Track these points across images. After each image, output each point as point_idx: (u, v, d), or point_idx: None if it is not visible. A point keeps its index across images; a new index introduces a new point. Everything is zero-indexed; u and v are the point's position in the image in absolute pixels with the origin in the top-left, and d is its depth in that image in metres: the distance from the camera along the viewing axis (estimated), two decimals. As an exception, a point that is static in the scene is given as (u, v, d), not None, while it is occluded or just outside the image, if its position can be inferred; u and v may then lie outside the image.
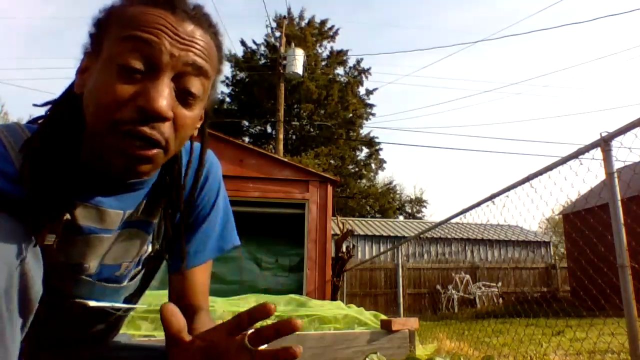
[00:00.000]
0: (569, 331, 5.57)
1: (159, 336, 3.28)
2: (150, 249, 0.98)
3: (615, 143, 2.48)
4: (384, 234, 17.50)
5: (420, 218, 26.58)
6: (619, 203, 2.50)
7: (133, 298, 1.08)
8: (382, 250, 16.93)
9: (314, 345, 3.30)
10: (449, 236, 17.54)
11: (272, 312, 0.69)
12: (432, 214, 28.86)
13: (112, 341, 1.09)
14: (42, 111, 0.86)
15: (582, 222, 13.32)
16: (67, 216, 0.78)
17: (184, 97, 0.75)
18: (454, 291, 15.95)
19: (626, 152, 2.43)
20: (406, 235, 17.53)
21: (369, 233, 17.33)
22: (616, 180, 2.54)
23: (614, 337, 3.99)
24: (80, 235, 0.83)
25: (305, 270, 8.16)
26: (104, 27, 0.76)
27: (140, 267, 0.99)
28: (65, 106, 0.81)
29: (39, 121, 0.85)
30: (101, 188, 0.83)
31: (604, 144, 2.52)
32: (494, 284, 16.40)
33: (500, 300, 16.07)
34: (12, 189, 0.74)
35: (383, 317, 4.04)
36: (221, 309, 3.78)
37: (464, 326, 8.37)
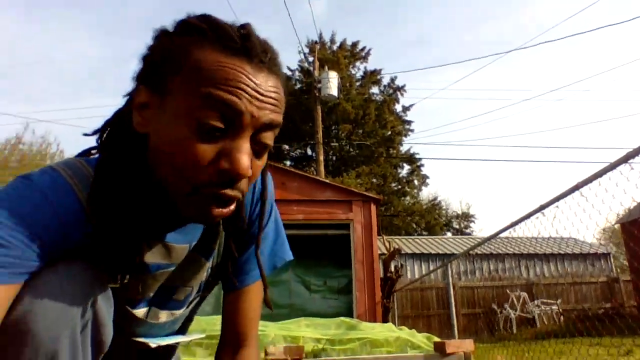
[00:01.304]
0: (638, 351, 5.23)
1: None
2: (209, 273, 1.00)
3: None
4: (433, 252, 17.12)
5: (468, 234, 25.85)
6: None
7: (187, 324, 1.12)
8: (431, 268, 16.55)
9: (367, 369, 3.27)
10: (501, 251, 16.95)
11: None
12: (481, 229, 27.99)
13: None
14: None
15: (641, 231, 12.58)
16: (137, 258, 0.80)
17: (258, 149, 0.75)
18: (510, 310, 15.29)
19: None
20: (455, 252, 17.07)
21: (417, 251, 17.01)
22: None
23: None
24: (148, 272, 0.85)
25: (355, 292, 8.09)
26: (172, 65, 0.71)
27: (200, 293, 1.02)
28: (123, 143, 0.79)
29: (92, 153, 0.86)
30: (168, 225, 0.84)
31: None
32: (553, 301, 15.61)
33: (561, 318, 15.27)
34: (83, 236, 0.75)
35: (436, 339, 3.94)
36: (273, 333, 3.82)
37: (523, 347, 8.00)
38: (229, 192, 0.71)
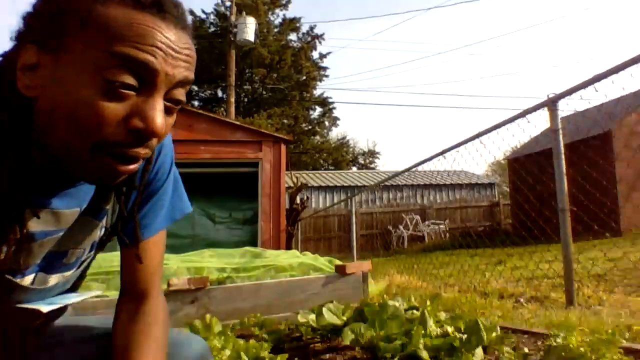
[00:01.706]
0: (509, 260, 5.98)
1: (112, 295, 3.24)
2: (102, 232, 0.94)
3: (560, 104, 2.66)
4: (338, 184, 17.76)
5: (372, 168, 27.22)
6: (562, 156, 2.68)
7: (79, 281, 1.04)
8: (335, 199, 17.25)
9: (270, 293, 3.37)
10: (400, 183, 18.05)
11: None
12: (385, 164, 29.77)
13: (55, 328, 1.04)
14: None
15: (524, 166, 14.14)
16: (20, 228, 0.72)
17: (170, 107, 0.71)
18: (404, 230, 16.62)
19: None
20: (359, 184, 17.88)
21: (323, 184, 17.53)
22: (560, 136, 2.69)
23: (550, 264, 4.33)
24: (34, 241, 0.77)
25: (260, 222, 8.21)
26: (71, 22, 0.65)
27: (92, 253, 0.95)
28: (4, 106, 0.71)
29: None
30: (54, 188, 0.76)
31: (552, 104, 2.68)
32: (442, 222, 17.20)
33: (447, 235, 16.96)
34: None
35: (338, 262, 4.16)
36: (175, 265, 3.76)
37: (413, 260, 8.80)
38: (140, 150, 0.68)
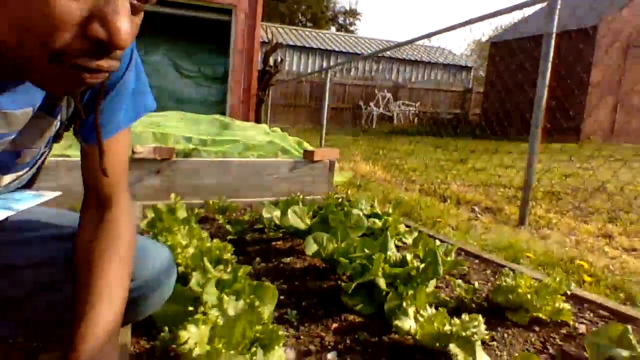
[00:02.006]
0: (472, 158, 6.16)
1: (74, 156, 3.16)
2: (58, 127, 0.86)
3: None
4: (314, 46, 16.99)
5: (352, 32, 25.95)
6: (548, 73, 2.56)
7: (36, 176, 1.01)
8: (310, 62, 16.66)
9: (237, 172, 3.38)
10: (379, 54, 17.45)
11: None
12: (366, 27, 28.32)
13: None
14: None
15: (502, 52, 13.79)
16: None
17: (137, 4, 0.58)
18: (374, 108, 16.61)
19: None
20: (336, 49, 17.17)
21: (299, 44, 16.72)
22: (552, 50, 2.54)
23: (508, 171, 4.49)
24: None
25: (230, 82, 7.89)
26: None
27: (48, 148, 0.89)
28: None
29: None
30: (2, 88, 0.66)
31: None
32: (413, 104, 17.22)
33: (416, 119, 17.13)
34: None
35: (306, 145, 4.14)
36: (140, 127, 3.64)
37: (379, 144, 8.96)
38: (103, 63, 0.58)
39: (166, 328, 1.01)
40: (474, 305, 1.35)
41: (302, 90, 15.89)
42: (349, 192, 3.82)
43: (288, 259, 1.77)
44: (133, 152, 3.04)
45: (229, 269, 1.31)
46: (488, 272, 1.69)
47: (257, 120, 8.91)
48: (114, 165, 0.90)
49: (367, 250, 1.43)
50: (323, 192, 3.64)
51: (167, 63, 8.06)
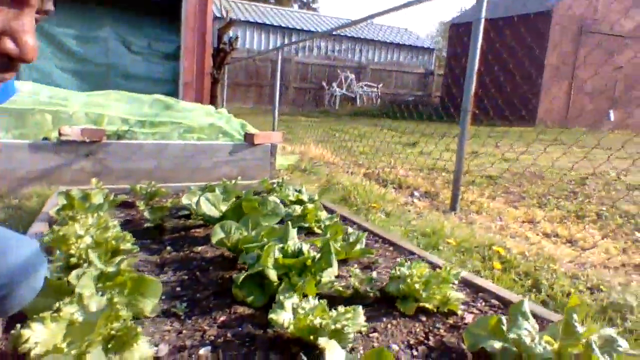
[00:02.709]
0: (423, 142, 6.23)
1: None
2: None
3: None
4: (275, 24, 16.67)
5: (314, 9, 25.64)
6: (477, 54, 2.57)
7: None
8: (271, 39, 16.38)
9: (174, 155, 3.29)
10: (342, 33, 17.31)
11: None
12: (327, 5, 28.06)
13: None
14: None
15: (467, 32, 13.93)
16: None
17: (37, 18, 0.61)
18: (337, 89, 16.55)
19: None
20: (297, 27, 16.92)
21: (259, 20, 16.37)
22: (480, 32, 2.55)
23: (453, 155, 4.56)
24: None
25: (182, 61, 7.66)
26: None
27: None
28: None
29: None
30: None
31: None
32: (375, 85, 17.24)
33: (379, 100, 17.18)
34: None
35: (250, 128, 4.08)
36: (74, 108, 3.49)
37: (336, 126, 8.95)
38: (6, 75, 0.59)
39: (18, 325, 0.97)
40: (371, 295, 1.36)
41: (264, 70, 15.64)
42: (293, 176, 3.80)
43: (200, 248, 1.74)
44: (60, 134, 2.92)
45: (117, 260, 1.27)
46: (398, 259, 1.71)
47: (212, 100, 8.73)
48: None
49: (266, 240, 1.42)
50: (265, 177, 3.61)
51: (114, 38, 7.73)
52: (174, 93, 7.75)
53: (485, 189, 3.63)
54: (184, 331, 1.13)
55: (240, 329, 1.15)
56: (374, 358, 0.86)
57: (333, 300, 1.32)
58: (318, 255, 1.33)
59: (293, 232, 1.47)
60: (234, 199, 1.98)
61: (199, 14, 7.44)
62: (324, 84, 16.60)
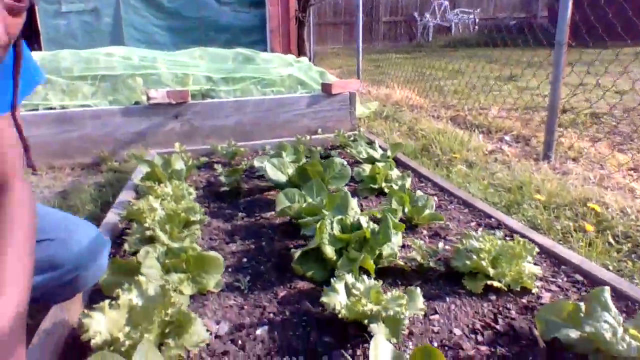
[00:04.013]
0: (524, 76, 5.67)
1: (95, 103, 3.25)
2: None
3: None
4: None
5: None
6: None
7: None
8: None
9: (253, 110, 3.34)
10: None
11: None
12: None
13: None
14: None
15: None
16: None
17: (15, 6, 0.69)
18: (430, 18, 15.53)
19: None
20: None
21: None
22: None
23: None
24: None
25: (267, 6, 7.65)
26: None
27: None
28: None
29: None
30: None
31: None
32: (471, 11, 15.88)
33: (476, 27, 15.86)
34: None
35: (329, 76, 3.99)
36: (162, 67, 3.65)
37: (429, 62, 8.46)
38: None
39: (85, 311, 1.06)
40: (435, 270, 1.29)
41: (351, 6, 15.06)
42: (374, 124, 3.69)
43: (269, 214, 1.77)
44: (148, 98, 3.08)
45: (185, 234, 1.33)
46: (473, 224, 1.60)
47: (300, 44, 8.68)
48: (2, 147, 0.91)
49: (325, 212, 1.39)
50: (345, 127, 3.55)
51: (203, -8, 7.87)
52: (262, 41, 7.82)
53: (589, 128, 3.24)
54: (245, 307, 1.17)
55: (298, 305, 1.16)
56: (422, 357, 0.81)
57: (394, 274, 1.28)
58: (377, 228, 1.28)
59: (353, 202, 1.42)
60: (303, 161, 1.97)
61: (280, -44, 7.28)
62: (415, 14, 15.66)
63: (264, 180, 2.23)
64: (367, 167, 1.97)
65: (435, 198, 1.83)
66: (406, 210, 1.57)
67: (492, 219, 1.60)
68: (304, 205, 1.52)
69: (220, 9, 8.14)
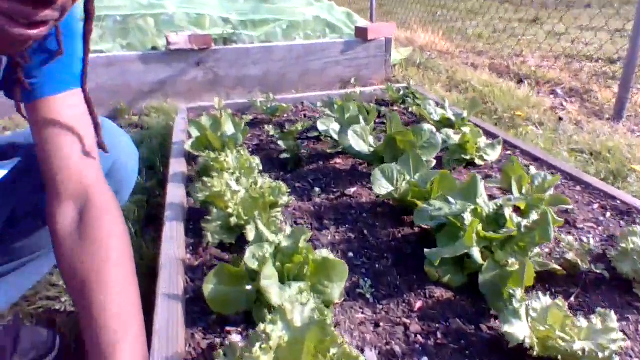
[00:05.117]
0: (549, 17, 5.34)
1: (107, 51, 2.88)
2: None
3: None
4: None
5: None
6: None
7: None
8: None
9: (282, 57, 3.02)
10: None
11: None
12: None
13: None
14: None
15: None
16: None
17: None
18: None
19: None
20: None
21: None
22: None
23: (596, 35, 3.82)
24: None
25: None
26: None
27: None
28: None
29: None
30: None
31: None
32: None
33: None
34: None
35: (357, 18, 3.63)
36: (172, 7, 3.24)
37: (434, 1, 7.98)
38: (48, 13, 0.53)
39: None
40: (588, 274, 1.09)
41: None
42: (409, 73, 3.40)
43: (352, 190, 1.53)
44: (168, 43, 2.73)
45: (287, 231, 1.09)
46: (595, 207, 1.40)
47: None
48: (76, 141, 0.77)
49: (451, 199, 1.17)
50: (380, 76, 3.25)
51: None
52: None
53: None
54: (381, 324, 0.96)
55: (446, 324, 0.96)
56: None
57: (542, 278, 1.09)
58: (524, 223, 1.07)
59: (481, 187, 1.19)
60: (379, 111, 1.71)
61: None
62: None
63: (319, 141, 1.99)
64: (450, 132, 1.73)
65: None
66: (524, 191, 1.36)
67: (618, 201, 1.40)
68: (411, 181, 1.30)
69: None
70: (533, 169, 1.47)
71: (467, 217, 1.06)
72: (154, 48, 2.86)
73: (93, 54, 2.69)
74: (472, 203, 1.16)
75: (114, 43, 2.91)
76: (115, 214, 0.81)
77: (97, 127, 0.82)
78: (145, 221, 1.59)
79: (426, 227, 1.25)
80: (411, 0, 7.87)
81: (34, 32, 0.53)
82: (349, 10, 3.68)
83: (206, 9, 3.28)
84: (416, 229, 1.29)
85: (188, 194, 1.48)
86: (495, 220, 1.12)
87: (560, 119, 2.45)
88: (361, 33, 3.15)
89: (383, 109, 2.37)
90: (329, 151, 1.83)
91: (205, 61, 2.84)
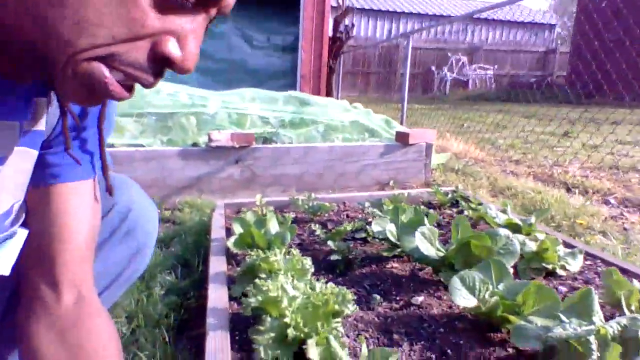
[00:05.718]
0: (575, 131, 5.35)
1: (147, 143, 2.87)
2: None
3: None
4: (383, 9, 16.05)
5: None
6: None
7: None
8: (378, 27, 15.80)
9: (321, 158, 2.96)
10: (452, 13, 16.25)
11: None
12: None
13: None
14: None
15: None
16: None
17: None
18: (447, 72, 15.58)
19: None
20: (406, 11, 16.13)
21: (367, 7, 15.86)
22: None
23: (630, 146, 3.75)
24: None
25: (300, 52, 7.45)
26: None
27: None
28: None
29: None
30: None
31: None
32: (489, 67, 15.97)
33: (493, 84, 15.89)
34: None
35: (395, 124, 3.64)
36: (215, 107, 3.29)
37: (458, 114, 8.21)
38: (155, 81, 0.52)
39: None
40: None
41: (369, 56, 15.14)
42: (449, 178, 3.30)
43: (419, 299, 1.33)
44: (210, 140, 2.70)
45: (362, 350, 0.88)
46: None
47: (329, 92, 8.46)
48: (79, 232, 0.71)
49: (563, 317, 0.96)
50: (419, 180, 3.16)
51: (235, 33, 7.72)
52: (291, 85, 7.56)
53: None
54: None
55: None
56: None
57: None
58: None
59: (596, 303, 0.99)
60: (427, 225, 1.54)
61: (317, 3, 7.14)
62: (433, 68, 15.73)
63: (368, 244, 1.81)
64: (524, 239, 1.54)
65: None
66: (632, 307, 1.14)
67: None
68: (495, 292, 1.09)
69: (252, 53, 7.98)
70: (637, 283, 1.26)
71: (593, 341, 0.84)
72: (194, 144, 2.84)
73: (132, 147, 2.68)
74: (587, 322, 0.95)
75: (154, 138, 2.91)
76: (104, 315, 0.74)
77: (105, 169, 0.76)
78: (179, 327, 1.38)
79: (525, 348, 1.02)
80: (436, 114, 8.13)
81: (126, 95, 0.51)
82: (387, 117, 3.71)
83: (247, 109, 3.33)
84: (510, 350, 1.06)
85: (230, 297, 1.30)
86: (622, 345, 0.90)
87: (625, 229, 2.26)
88: (402, 137, 3.12)
89: (431, 211, 2.22)
90: (384, 254, 1.64)
91: (244, 159, 2.79)
